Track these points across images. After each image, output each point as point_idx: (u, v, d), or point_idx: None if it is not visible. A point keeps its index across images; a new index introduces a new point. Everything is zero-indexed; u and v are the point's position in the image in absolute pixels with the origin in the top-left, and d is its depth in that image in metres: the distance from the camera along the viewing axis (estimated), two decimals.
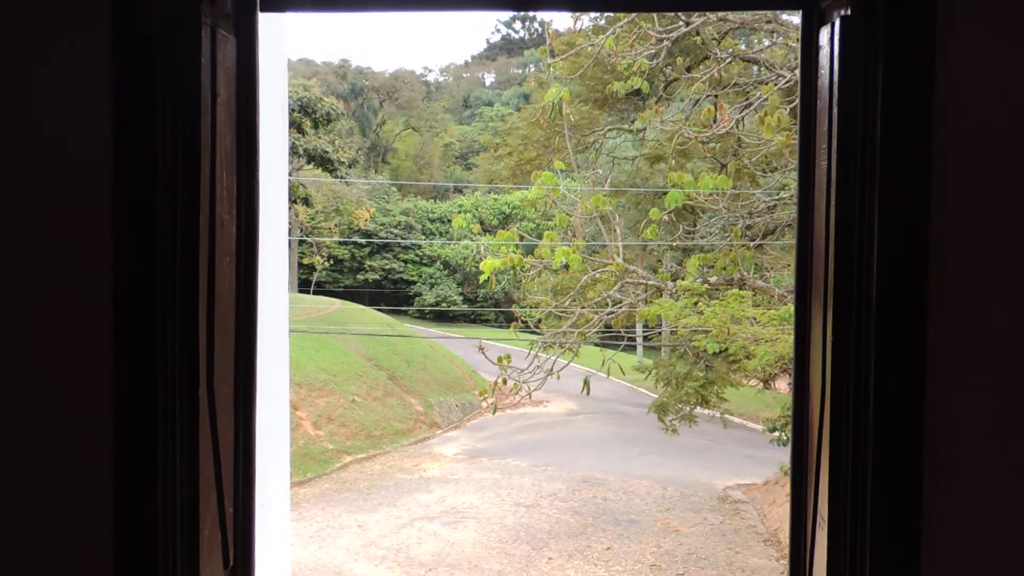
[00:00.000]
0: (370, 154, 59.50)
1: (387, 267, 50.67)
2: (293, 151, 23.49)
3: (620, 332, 9.66)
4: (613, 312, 9.05)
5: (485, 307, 50.69)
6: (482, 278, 8.35)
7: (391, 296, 52.71)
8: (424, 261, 53.03)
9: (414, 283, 52.01)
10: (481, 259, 8.24)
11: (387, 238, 48.03)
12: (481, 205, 54.81)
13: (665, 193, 8.17)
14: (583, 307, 9.04)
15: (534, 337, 9.92)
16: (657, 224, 8.44)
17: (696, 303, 8.40)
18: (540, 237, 8.73)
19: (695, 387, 9.76)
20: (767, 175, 9.97)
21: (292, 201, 25.98)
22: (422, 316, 51.97)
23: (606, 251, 14.25)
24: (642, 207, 14.67)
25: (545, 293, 12.16)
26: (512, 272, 8.31)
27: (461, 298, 51.67)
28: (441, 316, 52.57)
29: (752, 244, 9.03)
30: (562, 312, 9.33)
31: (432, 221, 55.11)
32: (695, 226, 11.61)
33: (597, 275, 8.83)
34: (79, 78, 1.45)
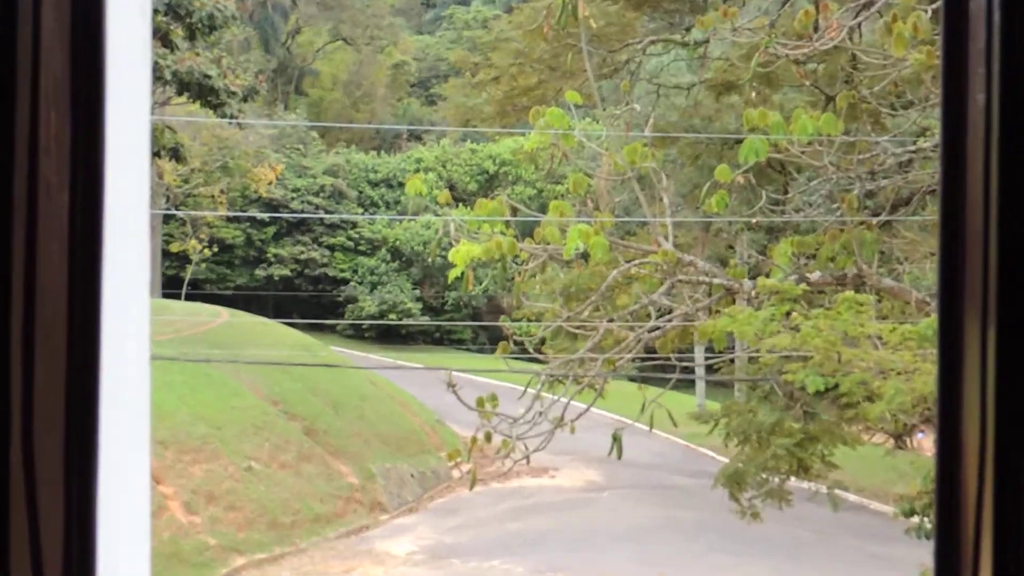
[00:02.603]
0: (277, 81, 59.59)
1: (303, 257, 50.65)
2: (156, 76, 23.33)
3: (670, 359, 9.70)
4: (659, 328, 9.09)
5: (457, 320, 50.76)
6: (452, 274, 8.35)
7: (309, 303, 52.67)
8: (362, 247, 53.06)
9: (345, 282, 52.02)
10: (451, 245, 8.24)
11: (303, 212, 48.07)
12: (451, 160, 54.98)
13: (739, 141, 8.23)
14: (611, 320, 9.07)
15: (534, 367, 9.92)
16: (727, 190, 8.49)
17: (788, 313, 8.45)
18: (543, 210, 8.78)
19: (788, 446, 9.79)
20: (897, 114, 10.02)
21: (154, 154, 25.83)
22: (358, 335, 51.96)
23: (647, 232, 14.32)
24: (703, 163, 14.72)
25: (551, 298, 12.21)
26: (500, 265, 8.32)
27: (419, 306, 51.71)
28: (389, 334, 52.52)
29: (876, 221, 9.08)
30: (578, 327, 9.36)
31: (374, 185, 55.16)
32: (786, 193, 11.69)
33: (633, 269, 8.87)
34: None
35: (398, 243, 49.70)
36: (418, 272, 49.95)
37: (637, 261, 8.92)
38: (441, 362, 41.18)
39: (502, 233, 8.26)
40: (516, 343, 9.23)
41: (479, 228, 8.33)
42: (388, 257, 50.01)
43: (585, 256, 8.90)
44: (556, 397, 8.90)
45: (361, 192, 53.07)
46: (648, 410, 9.36)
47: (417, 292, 48.70)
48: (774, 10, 9.40)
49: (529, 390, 8.99)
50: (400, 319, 46.45)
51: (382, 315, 46.85)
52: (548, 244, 8.37)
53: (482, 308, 52.94)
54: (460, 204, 51.89)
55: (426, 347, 48.42)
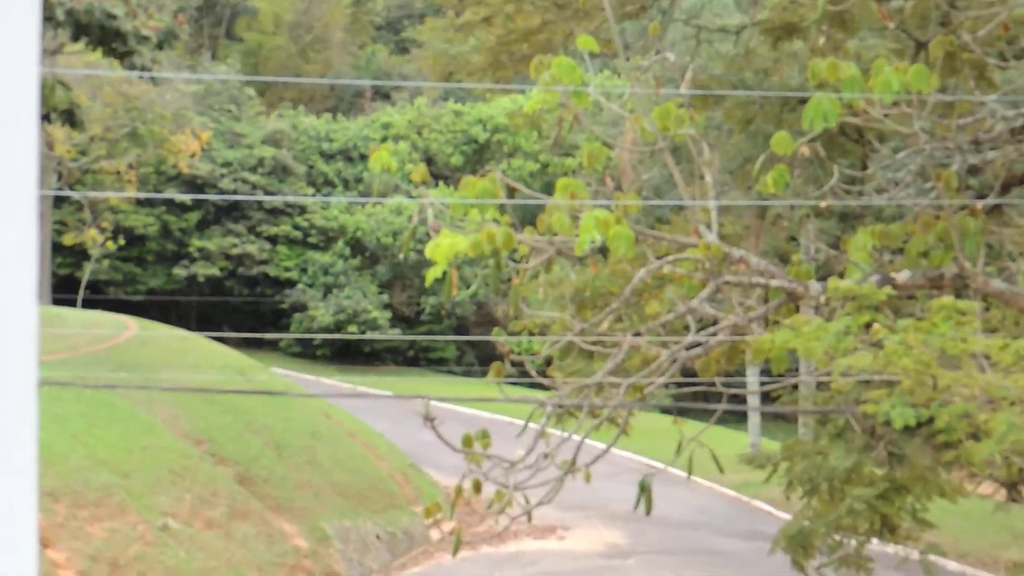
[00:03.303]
0: (203, 22, 59.70)
1: (236, 251, 50.65)
2: (45, 15, 23.28)
3: (714, 385, 9.73)
4: (700, 345, 9.12)
5: (437, 334, 50.73)
6: (431, 275, 8.37)
7: (244, 311, 52.67)
8: (312, 239, 53.16)
9: (292, 284, 52.09)
10: (429, 236, 8.25)
11: (236, 193, 47.96)
12: (429, 126, 55.14)
13: (804, 101, 8.25)
14: (638, 334, 9.10)
15: (538, 395, 9.94)
16: (788, 164, 8.52)
17: (868, 324, 8.47)
18: (549, 191, 8.80)
19: (868, 498, 9.81)
20: (1009, 65, 10.05)
21: (42, 117, 25.75)
22: (308, 353, 51.99)
23: (684, 219, 14.27)
24: (757, 130, 14.78)
25: (560, 305, 12.19)
26: (492, 263, 8.33)
27: (387, 316, 51.68)
28: (348, 353, 52.50)
29: (981, 205, 9.09)
30: (595, 343, 9.38)
31: (329, 158, 55.29)
32: (865, 168, 11.72)
33: (666, 268, 8.90)
34: None
35: (360, 234, 49.75)
36: (386, 271, 49.97)
37: (672, 257, 8.94)
38: (416, 389, 41.11)
39: (495, 221, 8.27)
40: (514, 364, 9.24)
41: (465, 214, 8.35)
42: (347, 252, 50.06)
43: (603, 251, 8.90)
44: (566, 434, 8.91)
45: (312, 167, 53.12)
46: (686, 451, 9.38)
47: (385, 297, 48.73)
48: None
49: (531, 425, 8.99)
50: (363, 332, 46.50)
51: (339, 327, 46.94)
52: (555, 235, 8.38)
53: (469, 319, 52.81)
54: (441, 183, 52.06)
55: (397, 369, 48.47)
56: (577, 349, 9.78)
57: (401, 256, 46.16)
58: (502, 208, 8.39)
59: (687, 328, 9.27)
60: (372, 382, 41.83)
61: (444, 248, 8.15)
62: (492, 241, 7.98)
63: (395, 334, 47.16)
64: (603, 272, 12.38)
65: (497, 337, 9.60)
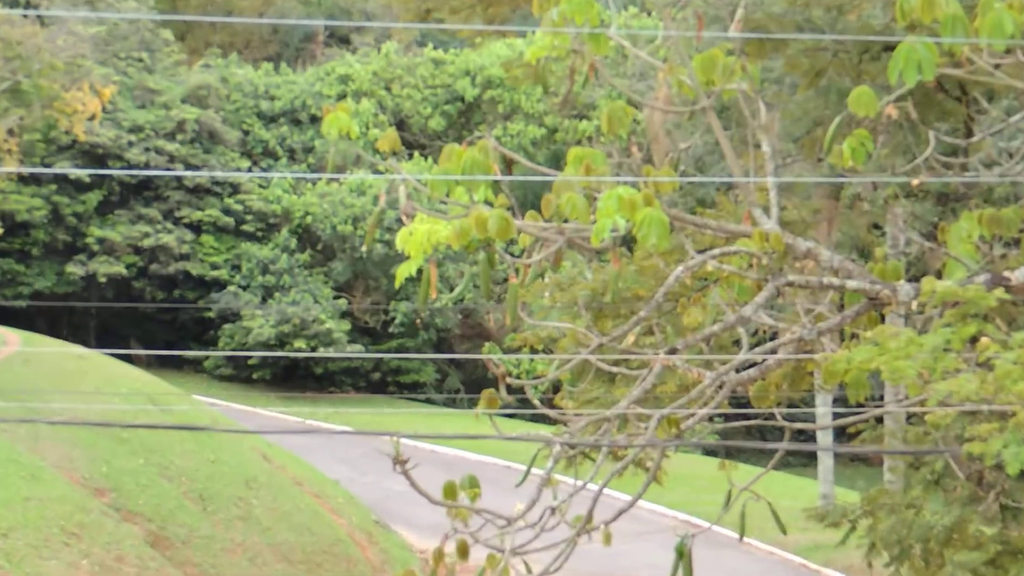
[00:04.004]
0: None
1: (147, 244, 50.10)
2: None
3: (773, 417, 9.70)
4: (755, 364, 9.07)
5: (411, 351, 50.37)
6: (402, 273, 8.32)
7: (159, 321, 52.31)
8: (248, 227, 52.77)
9: (221, 286, 51.67)
10: (400, 223, 8.20)
11: (148, 167, 47.58)
12: (400, 79, 54.92)
13: (890, 48, 8.23)
14: (673, 351, 9.07)
15: (542, 431, 9.93)
16: (869, 129, 8.50)
17: (975, 338, 8.45)
18: (558, 164, 8.77)
19: (976, 565, 9.76)
20: None
21: None
22: (242, 375, 51.61)
23: (732, 200, 14.21)
24: (829, 84, 14.78)
25: (571, 313, 12.11)
26: (483, 258, 8.31)
27: (346, 326, 51.26)
28: (294, 375, 52.13)
29: None
30: (617, 363, 9.34)
31: (270, 122, 55.00)
32: (969, 135, 11.69)
33: (710, 264, 8.88)
34: None
35: (310, 220, 49.42)
36: (344, 269, 49.68)
37: (718, 251, 8.91)
38: (384, 423, 40.79)
39: (487, 203, 8.26)
40: (511, 390, 9.21)
41: (448, 194, 8.33)
42: (293, 244, 49.75)
43: (628, 243, 8.85)
44: (579, 482, 8.89)
45: (248, 133, 52.87)
46: (737, 504, 9.37)
47: (343, 303, 48.47)
48: None
49: (534, 470, 8.97)
50: (313, 349, 46.25)
51: (282, 342, 46.63)
52: (565, 221, 8.36)
53: (453, 331, 52.44)
54: (416, 153, 51.86)
55: (358, 397, 48.12)
56: (594, 371, 9.75)
57: (364, 249, 45.93)
58: (496, 186, 8.38)
59: (737, 344, 9.25)
60: (326, 414, 41.78)
61: (420, 238, 8.13)
62: (483, 229, 7.96)
63: (356, 351, 47.08)
64: (628, 270, 12.36)
65: (489, 355, 9.59)
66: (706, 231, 9.40)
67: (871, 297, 8.94)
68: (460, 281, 41.96)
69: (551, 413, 9.96)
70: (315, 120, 52.91)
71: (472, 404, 9.39)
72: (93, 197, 48.42)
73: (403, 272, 8.36)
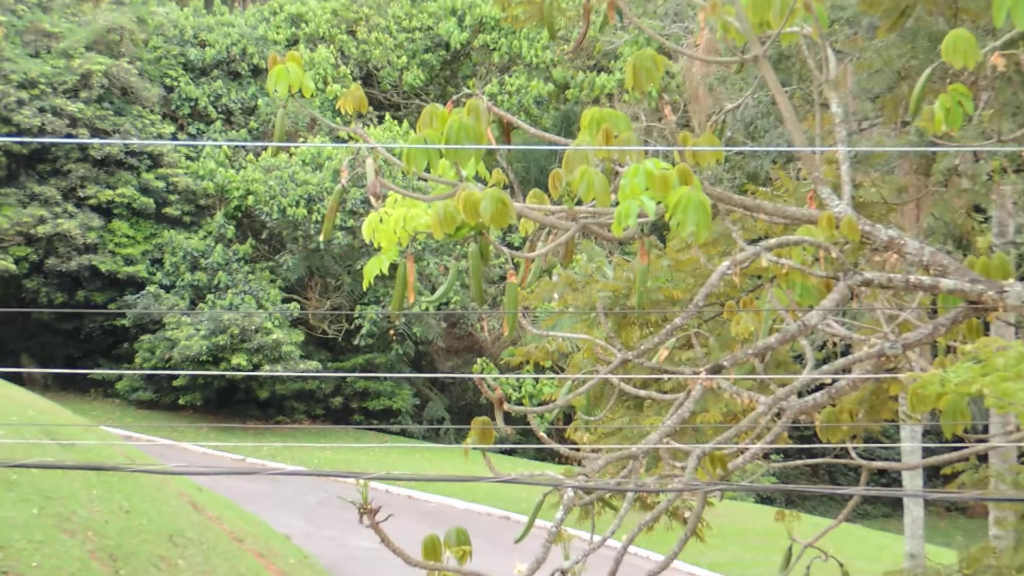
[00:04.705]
0: None
1: (42, 231, 49.77)
2: None
3: (845, 454, 9.73)
4: (823, 387, 9.08)
5: (382, 369, 49.84)
6: (371, 270, 8.33)
7: (57, 331, 52.01)
8: (172, 210, 52.42)
9: (138, 286, 51.47)
10: (369, 207, 8.20)
11: (44, 133, 47.04)
12: (367, 19, 54.69)
13: None
14: (717, 369, 9.11)
15: (549, 470, 9.95)
16: (968, 85, 8.50)
17: None
18: (568, 130, 8.80)
19: None
20: None
21: None
22: (164, 400, 51.55)
23: (791, 176, 14.23)
24: (917, 27, 14.81)
25: (586, 321, 12.08)
26: (475, 250, 8.34)
27: (298, 337, 50.70)
28: (230, 400, 51.93)
29: None
30: (645, 385, 9.35)
31: (200, 75, 54.88)
32: None
33: (765, 258, 8.90)
34: None
35: (252, 201, 49.15)
36: (296, 264, 49.46)
37: (774, 241, 8.94)
38: (348, 461, 40.56)
39: (479, 181, 8.29)
40: (510, 419, 9.25)
41: (429, 169, 8.36)
42: (230, 232, 49.51)
43: (660, 230, 8.87)
44: (598, 537, 8.93)
45: (172, 89, 52.76)
46: (800, 565, 9.41)
47: (294, 307, 48.21)
48: None
49: (539, 522, 9.01)
50: (256, 366, 45.91)
51: (216, 357, 46.33)
52: (579, 203, 8.39)
53: (436, 344, 52.23)
54: (388, 116, 51.62)
55: (314, 428, 47.91)
56: (616, 395, 9.79)
57: (321, 239, 45.37)
58: (491, 158, 8.40)
59: (800, 360, 9.28)
60: (273, 450, 41.78)
61: (393, 225, 8.15)
62: (474, 213, 7.98)
63: (311, 369, 47.00)
64: (659, 265, 12.40)
65: (483, 375, 9.63)
66: (759, 216, 9.42)
67: (971, 300, 8.95)
68: (444, 280, 41.79)
69: (561, 449, 9.99)
70: (258, 73, 52.90)
71: (460, 437, 9.45)
72: None
73: (372, 269, 8.39)
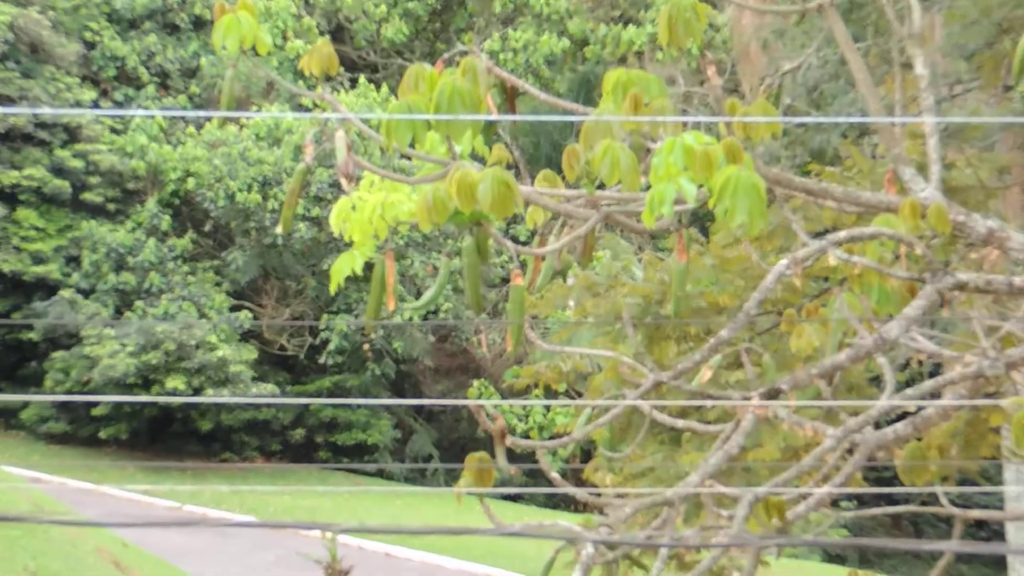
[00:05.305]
0: None
1: None
2: None
3: (934, 501, 9.75)
4: (907, 415, 9.10)
5: (355, 393, 49.82)
6: (339, 270, 8.35)
7: None
8: (90, 196, 52.38)
9: (50, 290, 51.37)
10: (338, 191, 8.18)
11: None
12: None
13: None
14: (775, 394, 9.15)
15: (562, 519, 10.00)
16: None
17: None
18: (587, 96, 8.83)
19: None
20: None
21: None
22: (80, 433, 51.24)
23: (866, 152, 14.32)
24: None
25: (610, 334, 12.10)
26: (471, 245, 8.36)
27: (251, 354, 50.55)
28: (163, 433, 51.86)
29: None
30: (684, 414, 9.36)
31: (129, 26, 54.78)
32: None
33: (832, 255, 8.92)
34: None
35: (193, 185, 49.15)
36: (248, 263, 49.39)
37: (845, 234, 8.96)
38: (311, 509, 40.59)
39: (477, 160, 8.31)
40: (514, 456, 9.28)
41: (414, 144, 8.38)
42: (166, 223, 49.49)
43: (702, 221, 8.89)
44: None
45: (93, 46, 52.83)
46: None
47: (245, 316, 48.19)
48: None
49: None
50: (198, 390, 45.83)
51: (146, 379, 46.32)
52: (601, 187, 8.42)
53: (422, 363, 52.14)
54: (363, 78, 51.67)
55: (271, 467, 47.89)
56: (647, 425, 9.81)
57: (279, 232, 45.47)
58: (491, 131, 8.43)
59: (877, 382, 9.29)
60: (217, 496, 41.78)
61: (369, 215, 8.17)
62: (470, 198, 7.99)
63: (266, 394, 47.09)
64: (701, 264, 12.43)
65: (480, 400, 9.67)
66: (826, 203, 9.44)
67: None
68: (433, 283, 41.66)
69: (579, 493, 10.00)
70: (201, 26, 53.01)
71: (453, 479, 9.47)
72: None
73: (342, 269, 8.41)
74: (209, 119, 49.54)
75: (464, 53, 8.41)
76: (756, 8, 11.98)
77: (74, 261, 49.57)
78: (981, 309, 9.35)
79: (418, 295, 44.49)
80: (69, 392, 46.50)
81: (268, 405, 47.11)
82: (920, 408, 9.19)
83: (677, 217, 8.19)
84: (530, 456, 9.28)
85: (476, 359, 49.13)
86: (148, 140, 50.16)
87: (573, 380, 13.92)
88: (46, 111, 48.51)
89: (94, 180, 49.82)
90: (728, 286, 12.24)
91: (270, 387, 47.72)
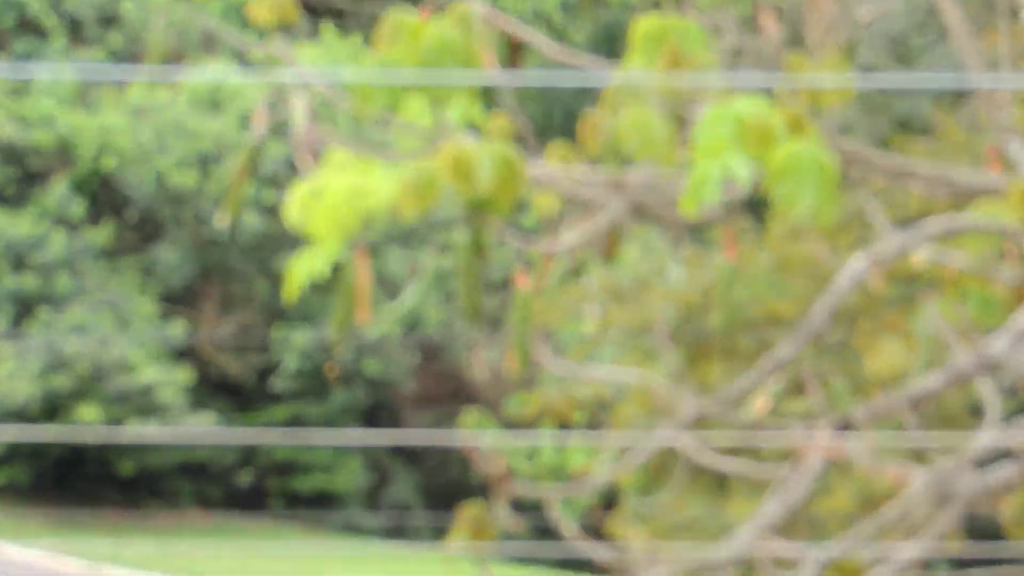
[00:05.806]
0: None
1: None
2: None
3: None
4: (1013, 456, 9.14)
5: (313, 425, 50.00)
6: (298, 272, 8.41)
7: None
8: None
9: None
10: (297, 173, 8.26)
11: None
12: None
13: None
14: (847, 426, 9.21)
15: None
16: None
17: None
18: (605, 48, 8.87)
19: None
20: None
21: None
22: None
23: (963, 124, 14.42)
24: None
25: (639, 350, 12.12)
26: (468, 240, 8.42)
27: (185, 377, 50.74)
28: (78, 476, 51.90)
29: None
30: (732, 452, 9.42)
31: None
32: None
33: (917, 251, 8.97)
34: None
35: (112, 163, 49.09)
36: (183, 261, 49.46)
37: (936, 225, 9.01)
38: (262, 572, 40.74)
39: (472, 130, 8.35)
40: (519, 508, 9.35)
41: (394, 111, 8.43)
42: (80, 209, 49.49)
43: (757, 209, 8.93)
44: None
45: None
46: None
47: (179, 330, 48.23)
48: None
49: None
50: (117, 422, 45.80)
51: (52, 407, 46.25)
52: (626, 163, 8.45)
53: (400, 389, 52.15)
54: (327, 27, 51.84)
55: (209, 520, 47.99)
56: (685, 467, 9.87)
57: (222, 222, 45.38)
58: (490, 96, 8.47)
59: (978, 413, 9.34)
60: (141, 557, 41.96)
61: (336, 202, 8.22)
62: (465, 179, 8.03)
63: (204, 425, 47.22)
64: (756, 264, 12.50)
65: (475, 434, 9.74)
66: (913, 185, 9.47)
67: None
68: (415, 286, 41.66)
69: (600, 552, 10.04)
70: None
71: (440, 534, 9.52)
72: None
73: (300, 270, 8.44)
74: (134, 79, 49.56)
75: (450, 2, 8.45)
76: None
77: None
78: None
79: (392, 295, 44.62)
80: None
81: (206, 444, 47.27)
82: None
83: (725, 205, 8.22)
84: (539, 506, 9.33)
85: (469, 383, 49.23)
86: (56, 106, 50.15)
87: (592, 410, 13.97)
88: None
89: None
90: (789, 290, 12.31)
91: (209, 418, 47.81)
